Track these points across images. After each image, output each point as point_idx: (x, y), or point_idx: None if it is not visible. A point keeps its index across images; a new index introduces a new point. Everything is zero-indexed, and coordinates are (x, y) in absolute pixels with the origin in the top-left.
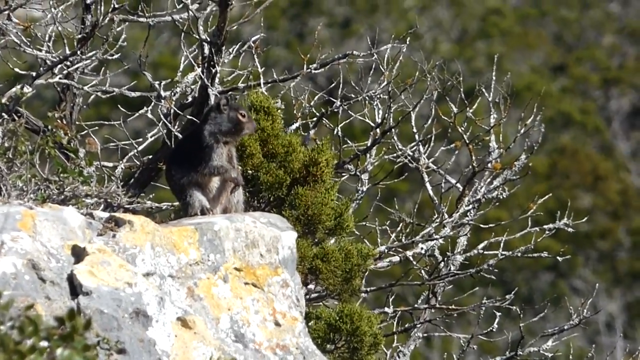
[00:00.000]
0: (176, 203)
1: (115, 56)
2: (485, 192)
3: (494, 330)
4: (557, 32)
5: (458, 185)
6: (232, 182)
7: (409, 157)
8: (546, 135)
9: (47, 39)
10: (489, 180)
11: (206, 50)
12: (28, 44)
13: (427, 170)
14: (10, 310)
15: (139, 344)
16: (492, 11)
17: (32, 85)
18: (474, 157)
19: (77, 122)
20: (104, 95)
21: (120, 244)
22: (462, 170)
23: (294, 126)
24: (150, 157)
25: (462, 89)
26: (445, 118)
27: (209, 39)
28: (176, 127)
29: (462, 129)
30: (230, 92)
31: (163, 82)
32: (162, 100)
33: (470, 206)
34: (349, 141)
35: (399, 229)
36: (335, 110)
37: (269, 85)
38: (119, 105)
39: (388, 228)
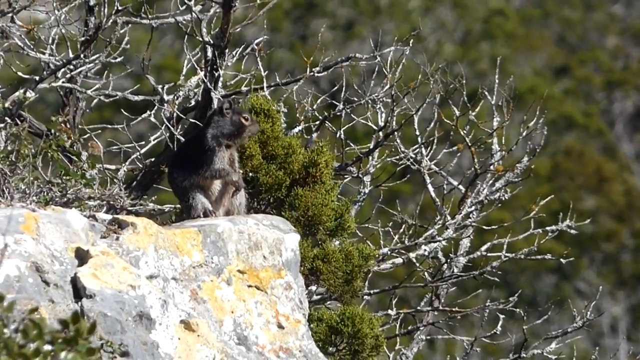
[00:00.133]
0: (179, 205)
1: (119, 59)
2: (487, 194)
3: (498, 332)
4: (561, 33)
5: (460, 187)
6: (233, 186)
7: (412, 160)
8: (549, 138)
9: (50, 41)
10: (491, 182)
11: (209, 53)
12: (31, 47)
13: (429, 173)
14: (14, 313)
15: (143, 347)
16: (495, 13)
17: (35, 89)
18: (476, 160)
19: (80, 126)
20: (107, 99)
21: (123, 246)
22: (464, 172)
23: (296, 129)
24: (153, 160)
25: (464, 92)
26: (448, 121)
27: (212, 42)
28: (179, 130)
29: (465, 131)
30: (233, 96)
31: (166, 86)
32: (165, 104)
33: (473, 208)
34: (351, 144)
35: (401, 230)
36: (338, 113)
37: (272, 88)
38: (122, 109)
39: (391, 230)
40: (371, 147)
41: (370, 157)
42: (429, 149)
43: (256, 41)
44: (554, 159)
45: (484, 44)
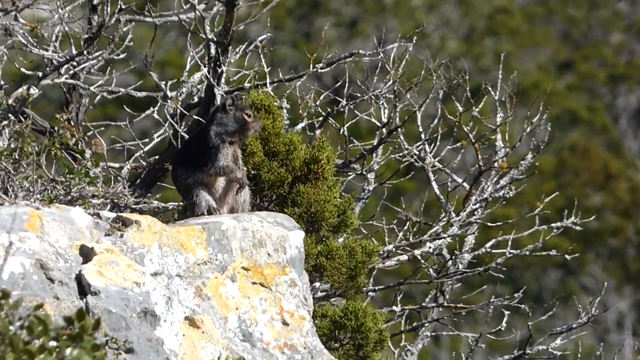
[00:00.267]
0: (182, 203)
1: (122, 56)
2: (492, 191)
3: (503, 329)
4: (565, 30)
5: (464, 184)
6: (238, 183)
7: (415, 157)
8: (553, 134)
9: (53, 39)
10: (495, 179)
11: (212, 50)
12: (35, 44)
13: (433, 170)
14: (20, 310)
15: (147, 344)
16: (499, 9)
17: (38, 85)
18: (480, 156)
19: (83, 123)
20: (110, 95)
21: (127, 243)
22: (468, 169)
23: (299, 126)
24: (157, 157)
25: (468, 88)
26: (451, 117)
27: (215, 39)
28: (182, 127)
29: (468, 128)
30: (236, 92)
31: (169, 82)
32: (169, 101)
33: (477, 205)
34: (355, 140)
35: (406, 228)
36: (341, 109)
37: (275, 84)
38: (124, 106)
39: (395, 227)
40: (375, 144)
41: (374, 155)
42: (432, 145)
43: (259, 38)
44: (558, 156)
45: (487, 41)
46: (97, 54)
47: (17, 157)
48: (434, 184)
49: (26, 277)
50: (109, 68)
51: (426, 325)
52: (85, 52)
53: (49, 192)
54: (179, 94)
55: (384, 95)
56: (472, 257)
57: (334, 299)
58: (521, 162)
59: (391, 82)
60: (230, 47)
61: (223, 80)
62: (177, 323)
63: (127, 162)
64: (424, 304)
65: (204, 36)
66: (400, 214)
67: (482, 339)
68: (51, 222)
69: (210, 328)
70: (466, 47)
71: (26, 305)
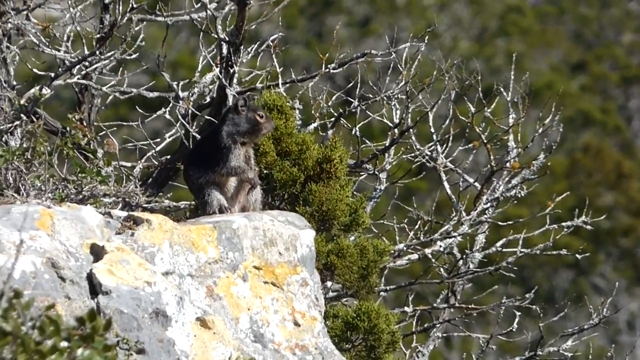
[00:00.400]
0: (194, 202)
1: (134, 56)
2: (503, 190)
3: (514, 330)
4: (577, 30)
5: (476, 184)
6: (249, 183)
7: (427, 157)
8: (565, 135)
9: (65, 39)
10: (507, 179)
11: (224, 50)
12: (47, 44)
13: (445, 170)
14: (31, 309)
15: (159, 344)
16: (511, 9)
17: (50, 86)
18: (492, 157)
19: (95, 123)
20: (122, 95)
21: (138, 242)
22: (480, 169)
23: (312, 126)
24: (168, 157)
25: (480, 88)
26: (463, 118)
27: (227, 39)
28: (194, 127)
29: (480, 128)
30: (248, 92)
31: (181, 83)
32: (180, 101)
33: (489, 204)
34: (367, 141)
35: (417, 227)
36: (354, 110)
37: (287, 85)
38: (137, 106)
39: (406, 226)
40: (387, 144)
41: (386, 155)
42: (444, 146)
43: (271, 38)
44: (571, 156)
45: (499, 41)
46: (109, 54)
47: (29, 156)
48: (445, 184)
49: (37, 276)
50: (121, 68)
51: (437, 326)
52: (97, 52)
53: (61, 191)
54: (190, 94)
55: (396, 96)
56: (483, 256)
57: (345, 299)
58: (533, 162)
59: (403, 82)
60: (242, 47)
61: (235, 80)
62: (189, 324)
63: (139, 162)
64: (435, 304)
65: (215, 36)
66: (412, 213)
67: (493, 340)
68: (62, 220)
69: (221, 329)
70: (478, 47)
71: (37, 305)
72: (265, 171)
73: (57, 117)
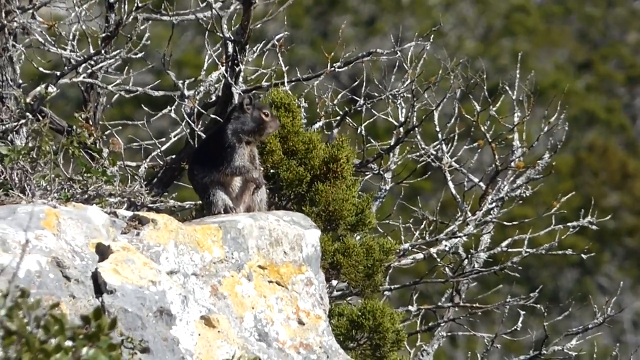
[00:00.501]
0: (199, 202)
1: (139, 55)
2: (508, 190)
3: (518, 329)
4: (582, 29)
5: (481, 184)
6: (254, 183)
7: (432, 156)
8: (570, 134)
9: (71, 37)
10: (512, 178)
11: (230, 49)
12: (52, 42)
13: (450, 169)
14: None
15: (163, 343)
16: (516, 8)
17: (56, 84)
18: (497, 156)
19: (100, 122)
20: (128, 94)
21: (144, 242)
22: (485, 169)
23: (317, 125)
24: (174, 156)
25: (485, 87)
26: (468, 117)
27: (232, 38)
28: (199, 126)
29: (485, 127)
30: (254, 91)
31: (187, 81)
32: (186, 100)
33: (494, 204)
34: (372, 140)
35: (422, 226)
36: (359, 109)
37: (293, 83)
38: (142, 105)
39: (411, 226)
40: (392, 143)
41: (391, 154)
42: (449, 145)
43: (277, 37)
44: (576, 155)
45: (505, 40)
46: (114, 53)
47: (34, 155)
48: (450, 183)
49: (42, 275)
50: (126, 67)
51: (442, 325)
52: (102, 51)
53: (66, 190)
54: (196, 93)
55: (401, 95)
56: (488, 256)
57: (350, 298)
58: (538, 161)
59: (409, 81)
60: (247, 46)
61: (240, 79)
62: (193, 322)
63: (144, 161)
64: (439, 303)
65: (221, 35)
66: (417, 213)
67: (497, 339)
68: (68, 220)
69: (226, 327)
70: (483, 46)
71: (42, 304)
72: (272, 170)
73: (63, 116)
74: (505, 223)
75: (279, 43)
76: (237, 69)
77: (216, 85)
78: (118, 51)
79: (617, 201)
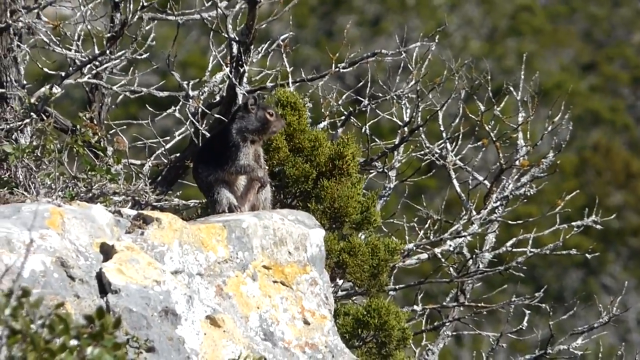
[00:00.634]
0: (204, 201)
1: (144, 55)
2: (512, 189)
3: (524, 328)
4: (587, 29)
5: (485, 182)
6: (259, 182)
7: (437, 155)
8: (575, 133)
9: (76, 37)
10: (516, 177)
11: (235, 49)
12: (57, 43)
13: (454, 168)
14: (40, 308)
15: (168, 343)
16: (522, 9)
17: (61, 85)
18: (501, 155)
19: (105, 122)
20: (133, 95)
21: (148, 241)
22: (489, 167)
23: (321, 125)
24: (178, 155)
25: (489, 87)
26: (473, 116)
27: (237, 38)
28: (204, 126)
29: (490, 127)
30: (258, 91)
31: (191, 82)
32: (190, 100)
33: (498, 203)
34: (376, 139)
35: (427, 226)
36: (364, 109)
37: (298, 84)
38: (147, 105)
39: (416, 225)
40: (396, 142)
41: (396, 153)
42: (454, 144)
43: (282, 37)
44: (580, 155)
45: (510, 40)
46: (119, 53)
47: (39, 154)
48: (455, 182)
49: (47, 275)
50: (131, 68)
51: (447, 324)
52: (107, 51)
53: (70, 189)
54: (200, 93)
55: (406, 95)
56: (492, 256)
57: (355, 298)
58: (542, 160)
59: (413, 82)
60: (252, 46)
61: (245, 79)
62: (198, 322)
63: (148, 160)
64: (444, 303)
65: (226, 35)
66: (421, 212)
67: (503, 338)
68: (72, 219)
69: (231, 327)
70: (488, 47)
71: (47, 304)
72: (277, 167)
73: (67, 116)
74: (510, 222)
75: (283, 43)
76: (242, 70)
77: (221, 86)
78: (123, 52)
79: (621, 201)
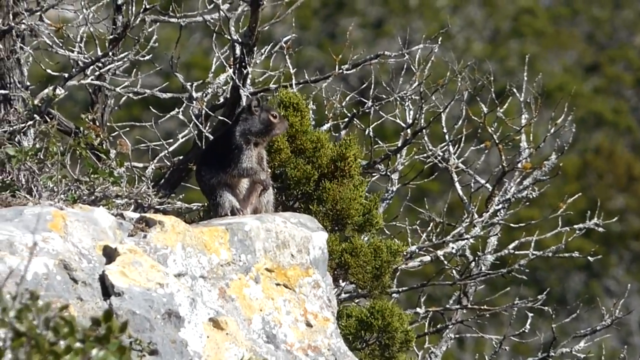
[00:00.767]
0: (206, 203)
1: (147, 57)
2: (515, 192)
3: (526, 331)
4: (590, 31)
5: (488, 185)
6: (261, 184)
7: (439, 158)
8: (578, 135)
9: (79, 40)
10: (518, 180)
11: (238, 51)
12: (60, 45)
13: (457, 170)
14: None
15: (171, 345)
16: (524, 11)
17: (64, 86)
18: (504, 157)
19: (108, 124)
20: (136, 96)
21: (151, 244)
22: (492, 170)
23: (325, 127)
24: (181, 157)
25: (492, 89)
26: (476, 118)
27: (240, 40)
28: (207, 128)
29: (492, 129)
30: (261, 93)
31: (195, 83)
32: (194, 101)
33: (500, 206)
34: (379, 141)
35: (429, 228)
36: (367, 110)
37: (301, 85)
38: (150, 107)
39: (419, 228)
40: (399, 145)
41: (399, 155)
42: (456, 147)
43: (285, 39)
44: (583, 157)
45: (513, 42)
46: (122, 55)
47: (42, 157)
48: (457, 185)
49: (50, 278)
50: (134, 69)
51: (450, 327)
52: (110, 53)
53: (73, 192)
54: (204, 95)
55: (409, 97)
56: (495, 259)
57: (358, 300)
58: (545, 162)
59: (417, 83)
60: (255, 48)
61: (248, 81)
62: (201, 324)
63: (151, 162)
64: (447, 305)
65: (229, 37)
66: (424, 214)
67: (506, 341)
68: (75, 222)
69: (234, 329)
70: (491, 48)
71: (51, 307)
72: (280, 169)
73: (71, 118)
74: (512, 225)
75: (286, 45)
76: (245, 71)
77: (224, 88)
78: (126, 53)
79: (623, 204)
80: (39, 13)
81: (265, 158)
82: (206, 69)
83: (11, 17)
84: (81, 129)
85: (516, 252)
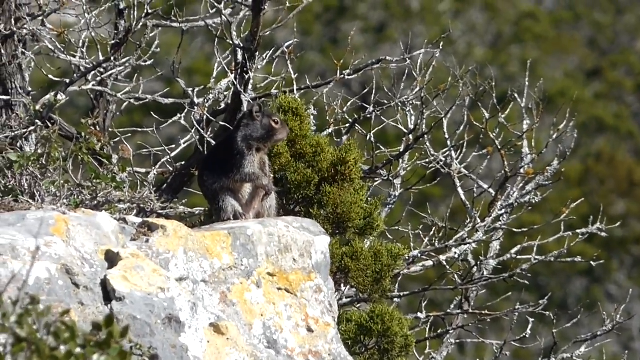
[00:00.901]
0: (209, 208)
1: (149, 62)
2: (517, 197)
3: (527, 336)
4: (591, 36)
5: (490, 190)
6: (264, 189)
7: (441, 163)
8: (579, 141)
9: (80, 45)
10: (521, 185)
11: (239, 56)
12: (62, 50)
13: (459, 176)
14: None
15: (172, 350)
16: (526, 15)
17: (65, 92)
18: (506, 163)
19: (110, 129)
20: (137, 102)
21: (153, 248)
22: (494, 175)
23: (326, 132)
24: (183, 163)
25: (494, 95)
26: (477, 124)
27: (242, 45)
28: (209, 133)
29: (494, 134)
30: (263, 99)
31: (196, 89)
32: (195, 107)
33: (503, 211)
34: (381, 147)
35: (431, 233)
36: (368, 116)
37: (303, 91)
38: (152, 112)
39: (421, 233)
40: (401, 150)
41: (401, 160)
42: (458, 152)
43: (286, 44)
44: (584, 163)
45: (514, 47)
46: (124, 60)
47: (44, 162)
48: (460, 190)
49: (51, 283)
50: (136, 75)
51: (451, 332)
52: (112, 58)
53: (75, 197)
54: (206, 100)
55: (410, 102)
56: (497, 263)
57: (359, 305)
58: (547, 168)
59: (418, 89)
60: (257, 53)
61: (250, 86)
62: (202, 329)
63: (153, 167)
64: (448, 310)
65: (230, 42)
66: (426, 219)
67: (506, 346)
68: (77, 226)
69: (235, 334)
70: (493, 53)
71: (52, 311)
72: (280, 173)
73: (72, 123)
74: (514, 230)
75: (288, 50)
76: (247, 77)
77: (226, 93)
78: (128, 58)
79: (624, 209)
80: (40, 18)
81: (268, 163)
82: (208, 75)
83: (13, 22)
84: (83, 134)
85: (518, 257)
